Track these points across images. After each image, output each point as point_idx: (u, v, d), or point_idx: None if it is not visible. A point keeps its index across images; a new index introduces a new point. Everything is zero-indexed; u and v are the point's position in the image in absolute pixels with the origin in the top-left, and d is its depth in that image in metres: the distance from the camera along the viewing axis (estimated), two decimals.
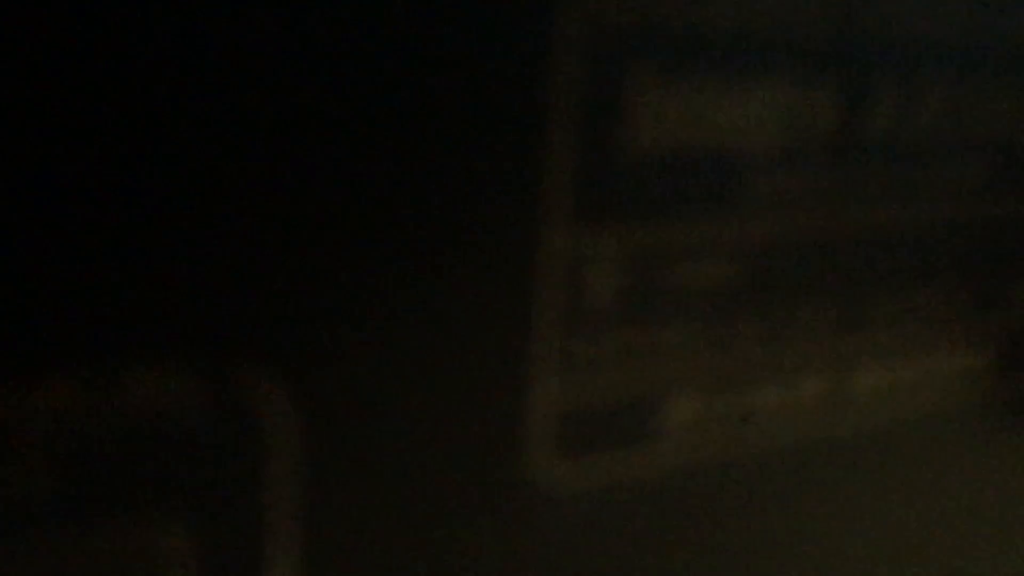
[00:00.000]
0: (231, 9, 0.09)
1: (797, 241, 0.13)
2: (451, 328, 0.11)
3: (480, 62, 0.10)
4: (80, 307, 0.09)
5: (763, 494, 0.14)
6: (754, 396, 0.13)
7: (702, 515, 0.13)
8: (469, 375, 0.11)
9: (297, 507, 0.10)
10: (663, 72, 0.11)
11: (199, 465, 0.10)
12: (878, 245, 0.14)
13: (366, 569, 0.11)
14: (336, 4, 0.09)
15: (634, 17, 0.11)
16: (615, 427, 0.12)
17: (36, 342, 0.09)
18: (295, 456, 0.10)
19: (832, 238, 0.13)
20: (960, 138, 0.14)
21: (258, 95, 0.09)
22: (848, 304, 0.14)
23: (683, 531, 0.13)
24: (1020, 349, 0.16)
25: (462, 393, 0.11)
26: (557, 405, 0.12)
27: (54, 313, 0.09)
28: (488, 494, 0.12)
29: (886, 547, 0.15)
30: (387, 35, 0.10)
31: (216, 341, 0.10)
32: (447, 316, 0.11)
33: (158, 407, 0.09)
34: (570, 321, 0.11)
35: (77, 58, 0.08)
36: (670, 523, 0.13)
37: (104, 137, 0.09)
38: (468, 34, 0.10)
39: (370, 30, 0.09)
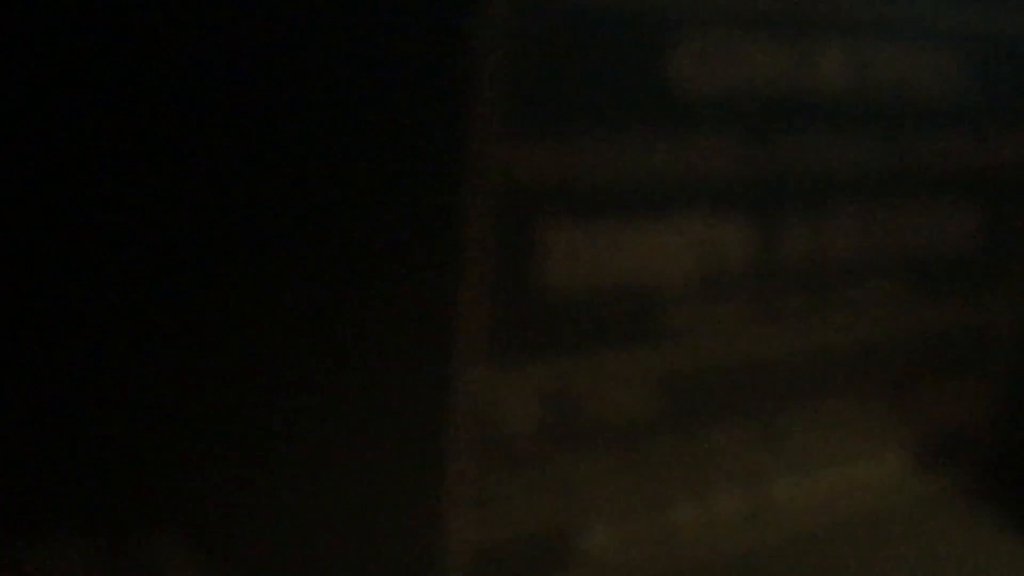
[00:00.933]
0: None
1: (712, 366, 0.13)
2: (368, 467, 0.11)
3: (400, 209, 0.10)
4: None
5: None
6: (673, 516, 0.13)
7: None
8: (385, 514, 0.11)
9: None
10: (575, 216, 0.11)
11: None
12: (792, 363, 0.14)
13: None
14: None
15: (546, 169, 0.11)
16: (533, 557, 0.12)
17: None
18: None
19: (747, 361, 0.13)
20: (872, 259, 0.14)
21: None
22: (763, 420, 0.14)
23: None
24: (931, 452, 0.16)
25: (379, 532, 0.11)
26: (474, 538, 0.12)
27: None
28: None
29: None
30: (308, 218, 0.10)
31: (119, 513, 0.09)
32: (364, 453, 0.11)
33: None
34: (486, 456, 0.11)
35: None
36: None
37: None
38: (387, 183, 0.10)
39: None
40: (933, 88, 0.14)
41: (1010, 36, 0.14)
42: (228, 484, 0.10)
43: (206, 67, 0.09)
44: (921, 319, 0.15)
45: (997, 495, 0.18)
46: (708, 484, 0.14)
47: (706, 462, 0.13)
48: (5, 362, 0.09)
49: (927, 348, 0.15)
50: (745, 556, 0.14)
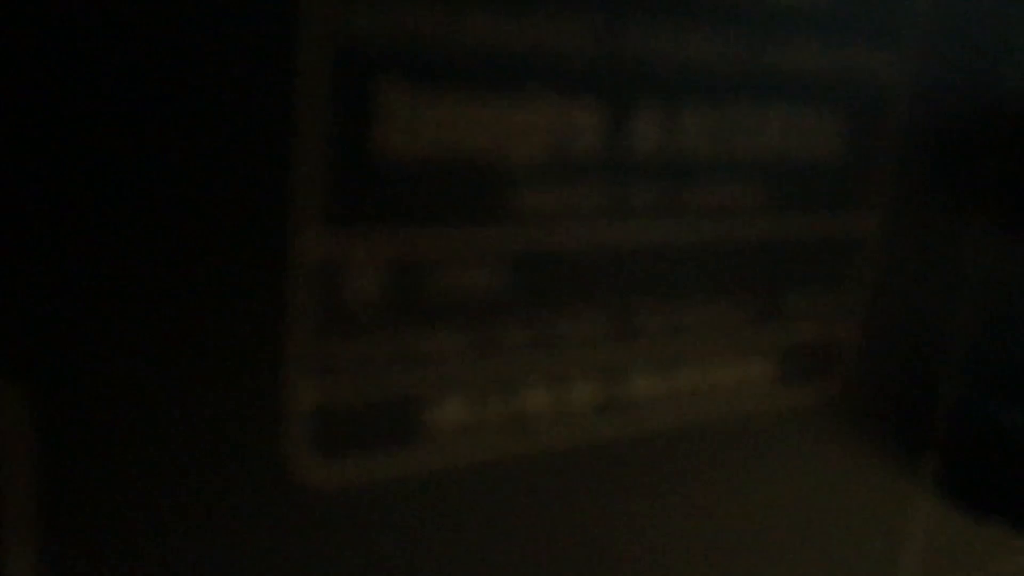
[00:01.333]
0: None
1: (564, 253, 0.13)
2: (202, 328, 0.11)
3: (227, 67, 0.10)
4: None
5: (532, 495, 0.14)
6: (524, 401, 0.14)
7: (470, 516, 0.14)
8: (222, 376, 0.11)
9: (38, 511, 0.11)
10: (418, 83, 0.11)
11: None
12: (647, 259, 0.14)
13: (117, 570, 0.11)
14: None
15: (386, 26, 0.11)
16: (378, 428, 0.13)
17: None
18: (33, 460, 0.11)
19: (601, 251, 0.14)
20: (728, 160, 0.15)
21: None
22: (620, 315, 0.14)
23: (449, 531, 0.14)
24: (795, 362, 0.17)
25: (215, 393, 0.11)
26: (315, 405, 0.12)
27: None
28: (245, 491, 0.12)
29: (655, 553, 0.16)
30: (130, 35, 0.10)
31: None
32: (198, 316, 0.11)
33: None
34: (328, 323, 0.12)
35: None
36: (435, 523, 0.13)
37: None
38: (215, 38, 0.10)
39: (113, 32, 0.10)
40: None
41: None
42: (58, 328, 0.10)
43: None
44: (781, 227, 0.16)
45: (859, 408, 0.18)
46: (562, 372, 0.14)
47: (560, 350, 0.14)
48: None
49: (789, 258, 0.16)
50: (597, 447, 0.15)
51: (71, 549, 0.11)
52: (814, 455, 0.18)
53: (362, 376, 0.12)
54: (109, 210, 0.10)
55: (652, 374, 0.15)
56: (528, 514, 0.14)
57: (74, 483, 0.11)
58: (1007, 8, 0.17)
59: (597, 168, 0.13)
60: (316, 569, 0.13)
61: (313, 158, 0.11)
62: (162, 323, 0.11)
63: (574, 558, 0.15)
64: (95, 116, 0.10)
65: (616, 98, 0.13)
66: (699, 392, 0.16)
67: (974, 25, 0.17)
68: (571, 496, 0.15)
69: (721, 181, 0.15)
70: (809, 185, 0.16)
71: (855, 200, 0.16)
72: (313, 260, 0.12)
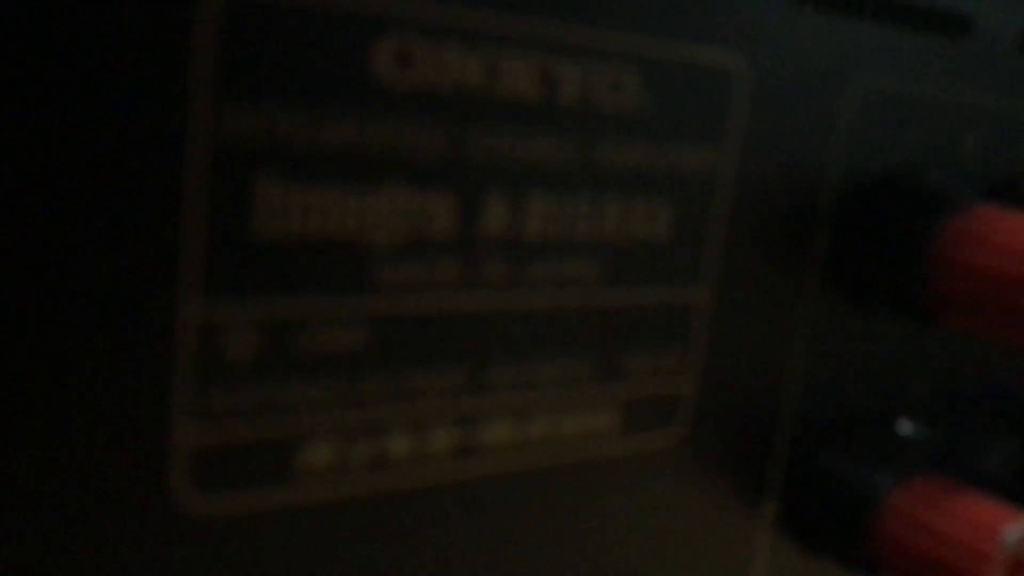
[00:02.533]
0: None
1: (421, 318, 0.15)
2: (100, 377, 0.13)
3: (125, 157, 0.12)
4: None
5: (393, 531, 0.16)
6: (386, 445, 0.16)
7: (336, 548, 0.15)
8: (117, 418, 0.13)
9: None
10: (287, 173, 0.14)
11: None
12: (498, 323, 0.16)
13: None
14: None
15: (260, 126, 0.13)
16: (252, 467, 0.14)
17: None
18: None
19: (455, 317, 0.16)
20: (569, 240, 0.17)
21: None
22: (474, 371, 0.16)
23: (317, 561, 0.15)
24: (637, 414, 0.19)
25: (112, 433, 0.13)
26: (195, 446, 0.14)
27: None
28: (135, 519, 0.14)
29: None
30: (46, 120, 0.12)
31: None
32: (97, 368, 0.13)
33: None
34: (207, 376, 0.14)
35: None
36: (304, 553, 0.15)
37: None
38: (114, 131, 0.12)
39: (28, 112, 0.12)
40: (618, 103, 0.17)
41: (684, 64, 0.17)
42: None
43: None
44: (620, 297, 0.18)
45: (701, 456, 0.20)
46: (420, 420, 0.16)
47: (419, 401, 0.16)
48: None
49: (628, 323, 0.18)
50: (454, 488, 0.17)
51: None
52: (660, 498, 0.20)
53: (238, 422, 0.14)
54: (25, 277, 0.12)
55: (504, 423, 0.17)
56: (390, 548, 0.16)
57: None
58: (826, 100, 0.20)
59: (450, 247, 0.16)
60: None
61: (196, 236, 0.13)
62: (65, 374, 0.13)
63: None
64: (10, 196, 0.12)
65: (467, 189, 0.15)
66: (548, 440, 0.18)
67: (794, 117, 0.20)
68: (429, 532, 0.17)
69: (563, 258, 0.17)
70: (644, 261, 0.18)
71: (687, 273, 0.19)
72: (195, 322, 0.14)
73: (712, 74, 0.18)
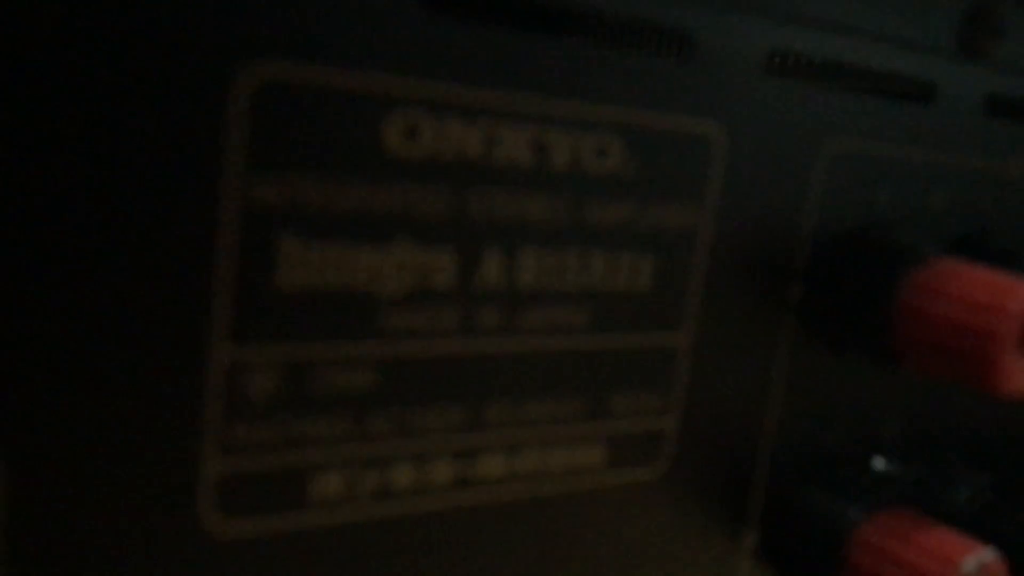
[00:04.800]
0: None
1: (423, 361, 0.17)
2: (139, 415, 0.15)
3: (165, 223, 0.14)
4: None
5: (397, 554, 0.18)
6: (391, 476, 0.17)
7: (345, 569, 0.17)
8: (152, 450, 0.15)
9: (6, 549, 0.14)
10: (307, 236, 0.15)
11: None
12: (494, 366, 0.18)
13: None
14: None
15: (282, 193, 0.15)
16: (271, 495, 0.16)
17: None
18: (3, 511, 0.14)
19: (454, 360, 0.17)
20: (558, 291, 0.18)
21: None
22: (471, 410, 0.18)
23: None
24: (622, 450, 0.20)
25: (148, 464, 0.15)
26: (221, 476, 0.16)
27: None
28: (167, 541, 0.15)
29: None
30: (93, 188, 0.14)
31: None
32: (137, 407, 0.15)
33: None
34: (233, 413, 0.15)
35: None
36: (317, 573, 0.17)
37: None
38: (154, 198, 0.14)
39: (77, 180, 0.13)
40: (604, 167, 0.18)
41: (665, 131, 0.19)
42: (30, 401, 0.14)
43: None
44: (605, 342, 0.19)
45: (683, 490, 0.22)
46: (422, 454, 0.17)
47: (421, 436, 0.17)
48: None
49: (613, 366, 0.20)
50: (452, 515, 0.18)
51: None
52: (644, 529, 0.22)
53: (258, 454, 0.16)
54: (80, 323, 0.14)
55: (499, 457, 0.18)
56: (393, 570, 0.18)
57: (34, 528, 0.14)
58: (798, 161, 0.21)
59: (451, 297, 0.17)
60: None
61: (226, 288, 0.15)
62: (110, 410, 0.14)
63: None
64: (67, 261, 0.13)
65: (466, 245, 0.17)
66: (539, 473, 0.19)
67: (769, 177, 0.21)
68: (429, 556, 0.18)
69: (554, 307, 0.18)
70: (629, 309, 0.19)
71: (670, 320, 0.20)
72: (224, 365, 0.15)
73: (691, 140, 0.20)
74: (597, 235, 0.19)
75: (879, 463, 0.25)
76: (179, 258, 0.14)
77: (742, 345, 0.22)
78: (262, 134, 0.15)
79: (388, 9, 0.16)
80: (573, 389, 0.19)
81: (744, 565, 0.24)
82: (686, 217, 0.20)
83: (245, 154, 0.15)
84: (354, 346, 0.16)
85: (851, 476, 0.24)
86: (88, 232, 0.14)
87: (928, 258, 0.23)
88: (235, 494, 0.16)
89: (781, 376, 0.23)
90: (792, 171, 0.22)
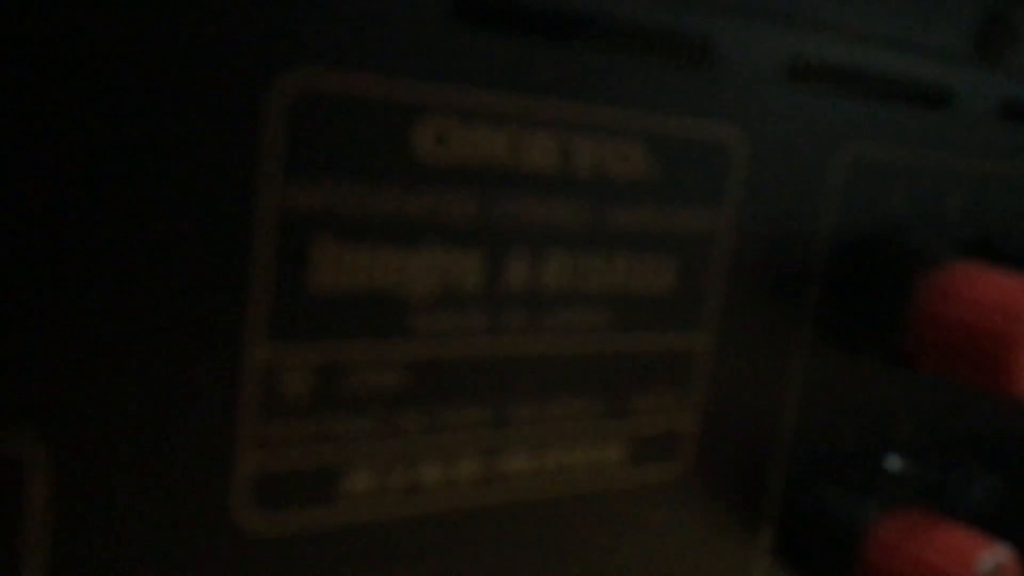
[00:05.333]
0: None
1: (451, 361, 0.18)
2: (179, 413, 0.15)
3: (205, 227, 0.15)
4: None
5: (425, 549, 0.18)
6: (420, 473, 0.18)
7: (374, 563, 0.18)
8: (190, 447, 0.15)
9: (51, 536, 0.15)
10: (340, 239, 0.16)
11: None
12: (519, 366, 0.18)
13: None
14: None
15: (317, 199, 0.16)
16: (303, 491, 0.17)
17: None
18: (48, 499, 0.14)
19: (481, 360, 0.18)
20: (582, 293, 0.19)
21: None
22: (497, 408, 0.18)
23: (357, 574, 0.17)
24: (642, 448, 0.21)
25: (186, 460, 0.15)
26: (256, 472, 0.16)
27: None
28: (204, 534, 0.16)
29: None
30: (132, 200, 0.14)
31: None
32: (177, 405, 0.15)
33: None
34: (268, 411, 0.16)
35: None
36: (346, 567, 0.17)
37: None
38: (197, 206, 0.15)
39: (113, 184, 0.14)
40: (627, 172, 0.19)
41: (686, 137, 0.19)
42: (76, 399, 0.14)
43: None
44: (627, 343, 0.20)
45: (701, 488, 0.22)
46: (450, 452, 0.18)
47: (448, 434, 0.18)
48: None
49: (635, 366, 0.20)
50: (478, 511, 0.18)
51: (70, 570, 0.15)
52: (663, 526, 0.22)
53: (292, 451, 0.16)
54: (123, 323, 0.14)
55: (523, 455, 0.19)
56: (421, 564, 0.18)
57: (76, 519, 0.15)
58: (816, 166, 0.22)
59: (478, 299, 0.17)
60: None
61: (262, 291, 0.15)
62: (151, 408, 0.15)
63: None
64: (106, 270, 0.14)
65: (493, 248, 0.17)
66: (562, 470, 0.19)
67: (787, 181, 0.22)
68: (455, 550, 0.19)
69: (577, 309, 0.19)
70: (650, 311, 0.20)
71: (690, 321, 0.20)
72: (259, 364, 0.16)
73: (711, 145, 0.20)
74: (620, 238, 0.19)
75: (894, 463, 0.25)
76: (218, 260, 0.15)
77: (760, 347, 0.23)
78: (298, 141, 0.15)
79: (419, 20, 0.16)
80: (595, 389, 0.20)
81: (761, 564, 0.24)
82: (706, 221, 0.21)
83: (282, 160, 0.15)
84: (384, 346, 0.17)
85: (867, 475, 0.25)
86: (133, 234, 0.14)
87: (943, 261, 0.23)
88: (268, 489, 0.16)
89: (798, 377, 0.24)
90: (811, 176, 0.22)
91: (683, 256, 0.20)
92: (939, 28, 0.24)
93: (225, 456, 0.16)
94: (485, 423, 0.19)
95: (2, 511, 0.14)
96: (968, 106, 0.25)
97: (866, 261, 0.23)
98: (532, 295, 0.19)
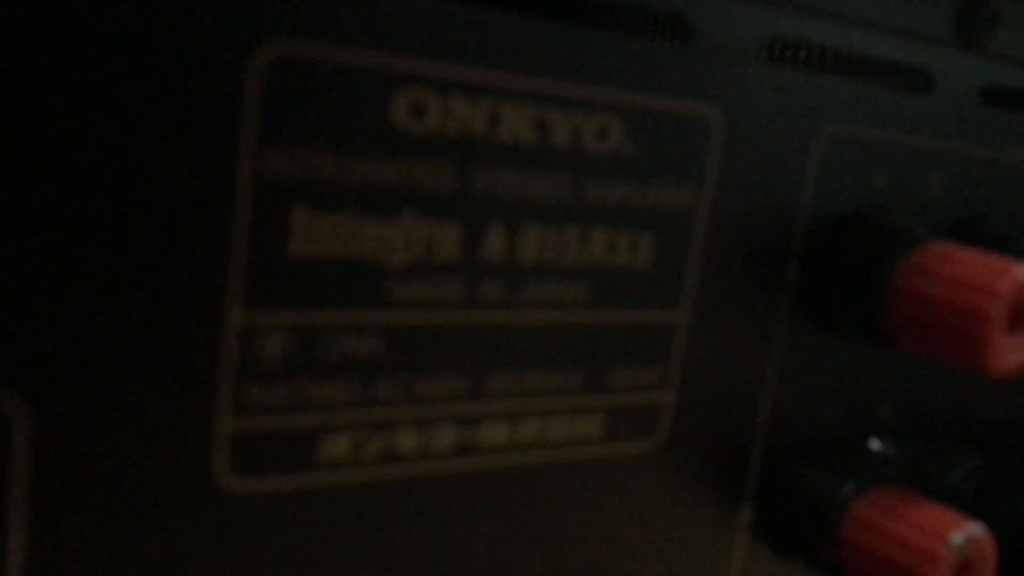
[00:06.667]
0: None
1: (427, 330, 0.18)
2: (158, 374, 0.15)
3: (183, 192, 0.15)
4: None
5: (400, 515, 0.18)
6: (397, 440, 0.18)
7: (350, 527, 0.18)
8: (169, 410, 0.16)
9: (32, 497, 0.15)
10: (315, 205, 0.16)
11: None
12: (495, 337, 0.19)
13: (84, 552, 0.15)
14: None
15: (295, 166, 0.16)
16: (281, 455, 0.17)
17: None
18: (30, 460, 0.15)
19: (457, 330, 0.18)
20: (559, 267, 0.19)
21: None
22: (473, 379, 0.19)
23: (333, 537, 0.18)
24: (619, 422, 0.21)
25: (165, 422, 0.16)
26: (234, 435, 0.16)
27: None
28: (184, 495, 0.16)
29: (499, 571, 0.20)
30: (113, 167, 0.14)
31: None
32: (156, 366, 0.15)
33: None
34: (245, 375, 0.16)
35: None
36: (324, 530, 0.18)
37: None
38: (173, 170, 0.15)
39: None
40: (604, 147, 0.19)
41: (664, 114, 0.20)
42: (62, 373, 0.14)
43: None
44: (605, 317, 0.20)
45: (680, 463, 0.22)
46: (426, 420, 0.18)
47: (425, 403, 0.18)
48: None
49: (613, 340, 0.20)
50: (453, 480, 0.19)
51: (53, 531, 0.15)
52: (641, 500, 0.22)
53: (270, 415, 0.17)
54: (99, 289, 0.15)
55: (500, 426, 0.19)
56: (396, 529, 0.19)
57: (58, 481, 0.15)
58: (796, 145, 0.22)
59: (455, 270, 0.18)
60: (231, 554, 0.17)
61: (240, 256, 0.16)
62: (129, 372, 0.15)
63: (430, 567, 0.19)
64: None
65: (470, 220, 0.18)
66: (539, 442, 0.20)
67: (766, 160, 0.22)
68: (430, 518, 0.19)
69: (554, 282, 0.19)
70: (628, 285, 0.20)
71: (668, 297, 0.21)
72: (237, 328, 0.16)
73: (690, 123, 0.20)
74: (597, 213, 0.20)
75: (874, 442, 0.26)
76: (196, 226, 0.15)
77: (739, 324, 0.23)
78: (275, 108, 0.16)
79: None
80: (573, 362, 0.20)
81: (740, 539, 0.25)
82: (684, 198, 0.21)
83: (259, 127, 0.16)
84: (361, 313, 0.17)
85: (846, 454, 0.25)
86: (111, 200, 0.15)
87: (921, 240, 0.23)
88: (247, 452, 0.17)
89: (777, 355, 0.24)
90: (789, 155, 0.22)
91: (661, 232, 0.21)
92: (919, 11, 0.24)
93: (204, 419, 0.16)
94: (462, 393, 0.19)
95: None
96: (948, 90, 0.25)
97: (844, 239, 0.23)
98: (509, 267, 0.19)
